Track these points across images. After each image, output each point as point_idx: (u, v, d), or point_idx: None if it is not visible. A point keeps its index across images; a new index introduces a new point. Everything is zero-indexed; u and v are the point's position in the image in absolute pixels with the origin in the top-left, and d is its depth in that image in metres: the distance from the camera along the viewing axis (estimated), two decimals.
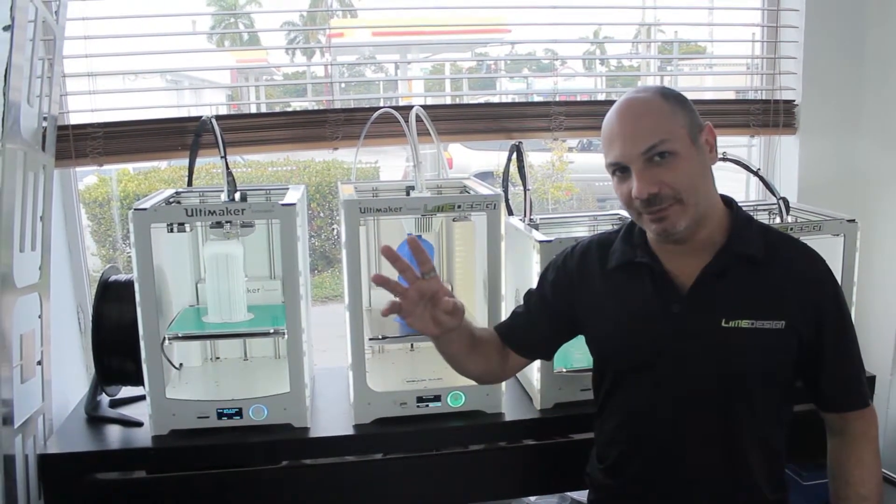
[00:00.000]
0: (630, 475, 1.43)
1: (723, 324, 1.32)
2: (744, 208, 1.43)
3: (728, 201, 1.42)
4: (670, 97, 1.32)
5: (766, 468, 1.38)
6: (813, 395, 1.41)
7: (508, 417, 1.86)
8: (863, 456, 1.39)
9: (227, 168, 1.85)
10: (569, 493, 2.24)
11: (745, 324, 1.32)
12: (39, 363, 1.81)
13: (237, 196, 1.85)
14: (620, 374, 1.45)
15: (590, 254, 1.50)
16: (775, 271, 1.35)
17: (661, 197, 1.28)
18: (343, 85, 2.78)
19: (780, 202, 2.01)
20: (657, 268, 1.38)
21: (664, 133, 1.28)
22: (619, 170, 1.33)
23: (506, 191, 2.14)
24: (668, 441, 1.38)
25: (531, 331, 1.54)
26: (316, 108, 2.48)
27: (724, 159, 2.19)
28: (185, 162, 2.10)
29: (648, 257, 1.40)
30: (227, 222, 1.75)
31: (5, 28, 1.56)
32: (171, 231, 1.74)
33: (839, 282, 1.42)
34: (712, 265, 1.35)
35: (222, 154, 1.88)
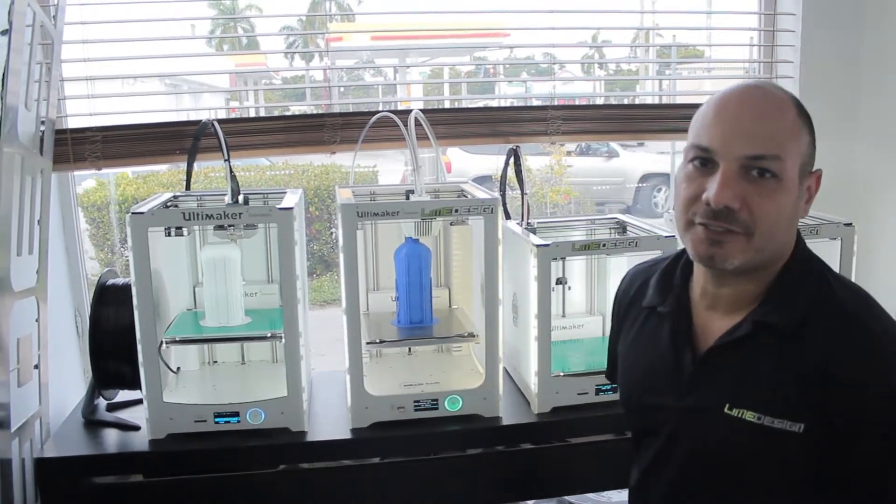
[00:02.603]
0: None
1: (727, 409, 1.07)
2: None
3: (802, 257, 1.13)
4: (805, 115, 1.09)
5: None
6: None
7: (506, 421, 1.86)
8: None
9: (231, 171, 1.85)
10: (566, 497, 2.24)
11: (750, 416, 1.05)
12: (36, 367, 1.81)
13: (241, 198, 1.85)
14: (634, 432, 1.30)
15: (637, 282, 1.31)
16: (807, 352, 1.03)
17: (734, 217, 1.03)
18: (342, 89, 2.78)
19: None
20: (680, 325, 1.17)
21: (781, 150, 1.04)
22: (703, 161, 1.06)
23: (503, 195, 2.14)
24: None
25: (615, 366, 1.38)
26: (314, 112, 2.49)
27: None
28: (185, 166, 2.10)
29: (675, 307, 1.18)
30: (229, 225, 1.75)
31: (3, 32, 1.56)
32: (169, 235, 1.74)
33: None
34: (732, 331, 1.10)
35: (226, 157, 1.88)
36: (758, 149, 1.02)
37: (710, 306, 1.16)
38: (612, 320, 1.40)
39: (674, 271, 1.23)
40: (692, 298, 1.19)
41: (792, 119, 1.06)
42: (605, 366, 1.47)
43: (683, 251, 1.20)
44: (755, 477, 1.07)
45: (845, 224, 1.97)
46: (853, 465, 1.02)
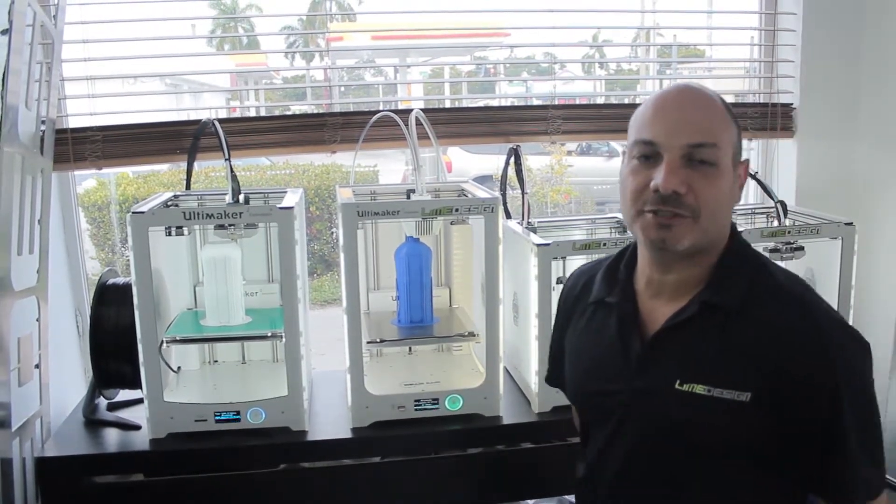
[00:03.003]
0: None
1: (677, 385, 1.13)
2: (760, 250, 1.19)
3: (738, 244, 1.22)
4: (730, 110, 1.18)
5: None
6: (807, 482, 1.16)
7: (506, 421, 1.86)
8: None
9: (232, 170, 1.85)
10: (566, 497, 2.24)
11: (700, 389, 1.11)
12: (37, 366, 1.81)
13: (241, 197, 1.85)
14: (584, 423, 1.35)
15: (582, 280, 1.38)
16: (750, 328, 1.11)
17: (681, 202, 1.11)
18: (342, 89, 2.78)
19: (778, 205, 2.01)
20: (627, 313, 1.23)
21: (717, 139, 1.12)
22: (646, 156, 1.14)
23: (504, 194, 2.14)
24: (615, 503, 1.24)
25: (560, 370, 1.44)
26: (315, 111, 2.49)
27: None
28: (185, 165, 2.10)
29: (622, 297, 1.25)
30: (230, 224, 1.75)
31: (3, 32, 1.56)
32: (170, 234, 1.73)
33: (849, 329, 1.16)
34: (678, 313, 1.17)
35: (226, 156, 1.88)
36: (697, 138, 1.11)
37: (654, 295, 1.22)
38: (557, 321, 1.46)
39: (618, 266, 1.30)
40: (637, 290, 1.25)
41: (722, 112, 1.16)
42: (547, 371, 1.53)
43: (625, 249, 1.30)
44: (706, 449, 1.13)
45: (846, 223, 1.97)
46: (800, 429, 1.09)
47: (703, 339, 1.14)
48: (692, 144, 1.11)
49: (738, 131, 1.18)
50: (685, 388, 1.13)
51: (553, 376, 1.52)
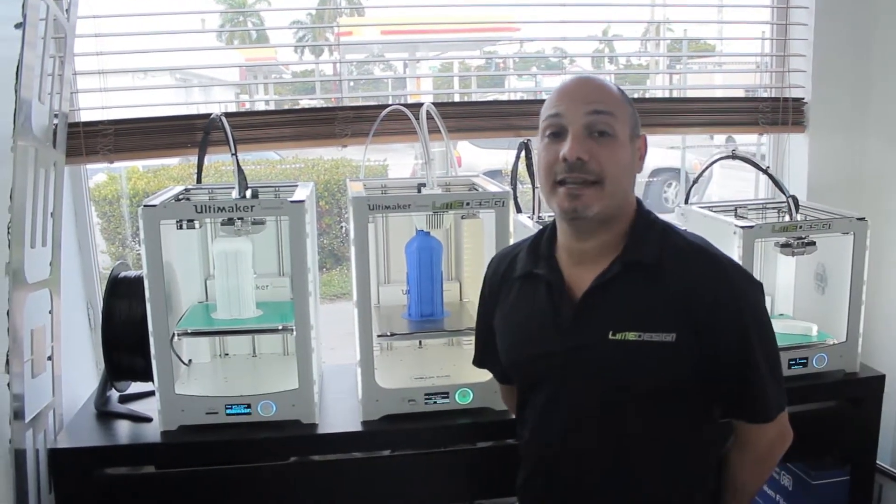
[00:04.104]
0: (537, 492, 1.41)
1: (610, 336, 1.26)
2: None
3: (644, 212, 1.37)
4: (624, 92, 1.34)
5: (669, 492, 1.32)
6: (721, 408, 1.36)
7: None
8: (757, 459, 1.38)
9: (238, 165, 1.86)
10: None
11: (632, 336, 1.26)
12: (50, 358, 1.82)
13: (248, 193, 1.86)
14: (522, 391, 1.45)
15: (504, 261, 1.49)
16: (668, 280, 1.27)
17: (587, 168, 1.25)
18: (352, 83, 2.78)
19: (790, 200, 2.00)
20: (554, 280, 1.35)
21: (614, 109, 1.28)
22: (555, 133, 1.29)
23: (514, 188, 2.14)
24: (560, 462, 1.35)
25: (490, 352, 1.54)
26: (325, 105, 2.49)
27: (734, 157, 2.20)
28: (195, 159, 2.11)
29: (547, 268, 1.37)
30: (238, 220, 1.75)
31: (17, 26, 1.57)
32: (181, 228, 1.74)
33: (761, 293, 1.34)
34: (603, 274, 1.30)
35: (233, 151, 1.89)
36: (596, 106, 1.27)
37: (576, 263, 1.35)
38: (482, 304, 1.56)
39: (539, 243, 1.42)
40: (559, 261, 1.38)
41: (616, 91, 1.32)
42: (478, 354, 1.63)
43: (545, 228, 1.44)
44: (640, 389, 1.28)
45: (858, 219, 1.96)
46: (719, 362, 1.26)
47: (628, 294, 1.29)
48: (592, 111, 1.26)
49: (633, 111, 1.33)
50: (618, 336, 1.26)
51: (481, 359, 1.63)
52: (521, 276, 1.42)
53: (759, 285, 1.34)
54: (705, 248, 1.33)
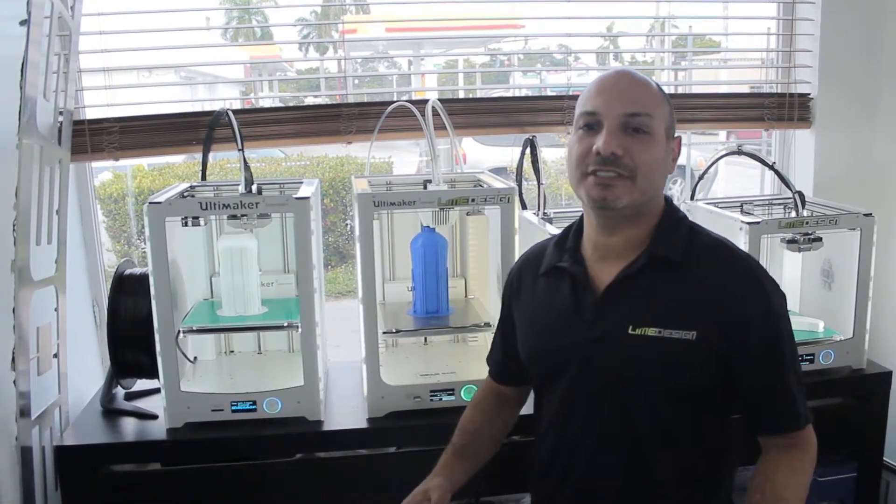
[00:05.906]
0: (551, 487, 1.41)
1: (630, 331, 1.26)
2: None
3: (672, 209, 1.36)
4: (663, 90, 1.32)
5: (682, 494, 1.30)
6: (742, 418, 1.31)
7: (521, 412, 1.85)
8: (791, 467, 1.27)
9: (245, 161, 1.86)
10: None
11: (651, 332, 1.25)
12: (56, 356, 1.83)
13: (254, 188, 1.86)
14: (541, 383, 1.44)
15: (531, 259, 1.49)
16: (693, 278, 1.27)
17: (620, 163, 1.24)
18: (356, 80, 2.78)
19: (796, 196, 2.00)
20: (578, 273, 1.34)
21: (651, 110, 1.26)
22: (588, 125, 1.27)
23: (519, 185, 2.14)
24: (575, 455, 1.34)
25: (508, 358, 1.54)
26: (329, 102, 2.49)
27: (740, 153, 2.19)
28: (200, 157, 2.11)
29: (572, 261, 1.36)
30: (243, 215, 1.75)
31: (22, 23, 1.57)
32: (186, 225, 1.74)
33: (778, 294, 1.30)
34: (628, 268, 1.30)
35: (239, 147, 1.89)
36: (633, 108, 1.25)
37: (601, 258, 1.34)
38: (506, 299, 1.55)
39: (566, 238, 1.42)
40: (585, 255, 1.37)
41: (655, 91, 1.30)
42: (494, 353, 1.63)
43: (571, 224, 1.42)
44: (656, 386, 1.26)
45: (864, 214, 1.95)
46: (744, 362, 1.25)
47: (651, 289, 1.28)
48: (628, 113, 1.24)
49: (671, 110, 1.31)
50: (638, 331, 1.26)
51: (500, 371, 1.60)
52: (546, 272, 1.41)
53: (784, 295, 1.33)
54: (733, 248, 1.33)
